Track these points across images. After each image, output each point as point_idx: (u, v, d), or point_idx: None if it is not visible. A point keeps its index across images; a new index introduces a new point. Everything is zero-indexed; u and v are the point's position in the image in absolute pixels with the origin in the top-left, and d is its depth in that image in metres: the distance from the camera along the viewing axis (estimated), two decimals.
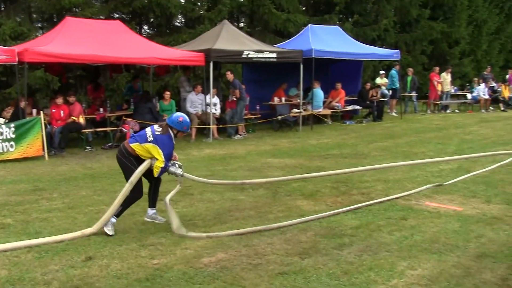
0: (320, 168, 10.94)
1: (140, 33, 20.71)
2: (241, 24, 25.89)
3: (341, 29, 21.27)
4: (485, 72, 28.71)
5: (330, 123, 19.39)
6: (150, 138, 6.65)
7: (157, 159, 6.57)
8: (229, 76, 16.39)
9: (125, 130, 14.16)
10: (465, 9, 32.16)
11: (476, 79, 27.30)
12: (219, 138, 15.56)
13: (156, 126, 6.86)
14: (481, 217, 7.24)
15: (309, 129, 17.61)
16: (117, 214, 6.65)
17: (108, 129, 14.89)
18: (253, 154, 12.87)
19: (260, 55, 16.24)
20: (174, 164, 6.83)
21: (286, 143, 14.83)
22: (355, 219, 7.18)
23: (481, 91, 25.23)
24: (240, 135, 16.10)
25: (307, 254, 5.87)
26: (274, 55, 16.62)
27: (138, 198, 6.81)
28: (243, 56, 15.87)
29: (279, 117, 17.44)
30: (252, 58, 16.10)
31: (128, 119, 14.52)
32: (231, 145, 14.43)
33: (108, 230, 6.55)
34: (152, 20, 23.07)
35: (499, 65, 35.82)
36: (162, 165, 6.57)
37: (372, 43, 25.06)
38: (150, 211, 7.21)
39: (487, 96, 25.23)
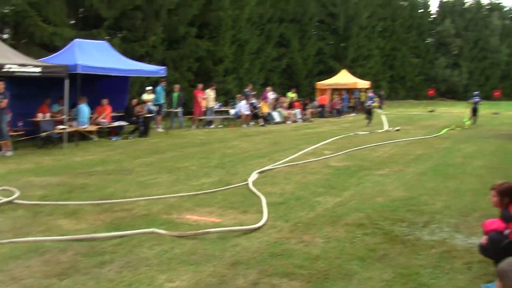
0: (84, 185, 10.85)
1: None
2: (5, 36, 24.57)
3: (109, 45, 21.25)
4: (246, 89, 30.19)
5: (96, 139, 19.21)
6: None
7: None
8: (1, 86, 15.62)
9: None
10: (229, 29, 33.77)
11: (238, 95, 28.68)
12: None
13: None
14: None
15: (74, 146, 17.20)
16: None
17: None
18: (14, 173, 12.25)
19: (23, 69, 15.57)
20: None
21: (49, 160, 14.37)
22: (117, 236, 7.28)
23: (243, 107, 26.71)
24: (4, 152, 15.25)
25: (66, 274, 5.82)
26: (39, 69, 16.05)
27: None
28: (4, 70, 15.07)
29: (43, 134, 16.85)
30: (14, 72, 15.37)
31: None
32: None
33: None
34: None
35: (259, 82, 37.91)
36: None
37: (141, 59, 25.21)
38: None
39: (248, 112, 26.76)
